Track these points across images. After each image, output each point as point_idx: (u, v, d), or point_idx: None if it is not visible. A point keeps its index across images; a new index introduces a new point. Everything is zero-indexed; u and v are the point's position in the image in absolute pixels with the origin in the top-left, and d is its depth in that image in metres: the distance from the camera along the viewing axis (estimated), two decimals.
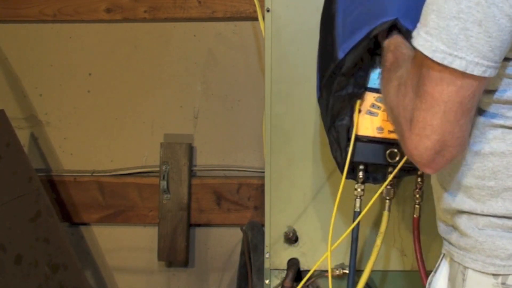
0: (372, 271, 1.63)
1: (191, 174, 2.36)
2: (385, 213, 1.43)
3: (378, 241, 1.44)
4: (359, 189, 1.42)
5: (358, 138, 1.34)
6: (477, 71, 0.91)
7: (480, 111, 1.02)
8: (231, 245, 2.39)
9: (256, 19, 1.78)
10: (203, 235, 2.42)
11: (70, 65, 2.39)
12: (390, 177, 1.36)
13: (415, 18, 0.98)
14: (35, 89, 2.41)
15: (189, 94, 2.37)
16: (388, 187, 1.41)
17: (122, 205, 2.40)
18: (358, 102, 1.32)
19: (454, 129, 0.94)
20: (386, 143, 1.33)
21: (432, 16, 0.92)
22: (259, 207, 2.32)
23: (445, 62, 0.92)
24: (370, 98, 1.33)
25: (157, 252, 2.38)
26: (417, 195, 1.44)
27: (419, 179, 1.44)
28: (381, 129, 1.33)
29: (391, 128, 1.32)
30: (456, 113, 0.93)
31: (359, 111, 1.33)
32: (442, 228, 1.14)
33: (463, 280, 1.06)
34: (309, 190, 1.64)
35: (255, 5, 1.74)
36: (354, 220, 1.43)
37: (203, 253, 2.42)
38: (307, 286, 1.64)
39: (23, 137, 2.38)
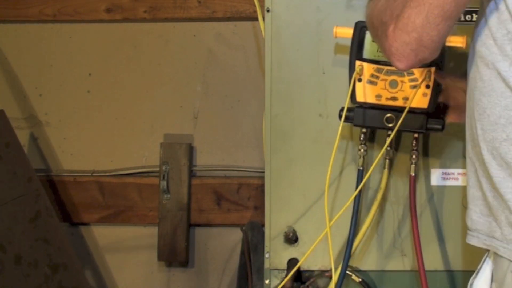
0: (372, 271, 1.64)
1: (191, 174, 2.36)
2: (385, 171, 1.58)
3: (378, 196, 1.59)
4: (362, 150, 1.56)
5: (359, 104, 1.50)
6: None
7: None
8: (231, 245, 2.39)
9: (256, 19, 1.78)
10: (203, 235, 2.42)
11: (70, 65, 2.39)
12: (388, 140, 1.51)
13: None
14: (35, 89, 2.41)
15: (189, 94, 2.37)
16: (388, 148, 1.55)
17: (122, 205, 2.40)
18: (356, 71, 1.48)
19: (432, 31, 1.04)
20: (384, 109, 1.48)
21: None
22: (259, 207, 2.32)
23: None
24: (369, 68, 1.48)
25: (157, 252, 2.38)
26: (414, 156, 1.55)
27: (414, 142, 1.55)
28: (379, 96, 1.48)
29: (388, 95, 1.47)
30: (437, 17, 1.03)
31: (359, 80, 1.48)
32: (479, 221, 1.11)
33: None
34: (309, 190, 1.64)
35: (255, 5, 1.74)
36: (358, 178, 1.57)
37: (203, 253, 2.42)
38: (307, 286, 1.64)
39: (23, 137, 2.38)
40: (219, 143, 2.38)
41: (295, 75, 1.62)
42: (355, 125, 1.52)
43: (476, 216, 1.10)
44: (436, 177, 1.60)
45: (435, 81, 1.45)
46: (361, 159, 1.56)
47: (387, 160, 1.57)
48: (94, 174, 2.41)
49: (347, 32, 1.50)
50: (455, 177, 1.60)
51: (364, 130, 1.55)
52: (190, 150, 2.36)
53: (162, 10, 2.32)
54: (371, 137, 1.60)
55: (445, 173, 1.60)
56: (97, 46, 2.38)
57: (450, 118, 1.49)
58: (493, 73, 1.05)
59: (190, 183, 2.35)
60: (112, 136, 2.40)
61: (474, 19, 1.53)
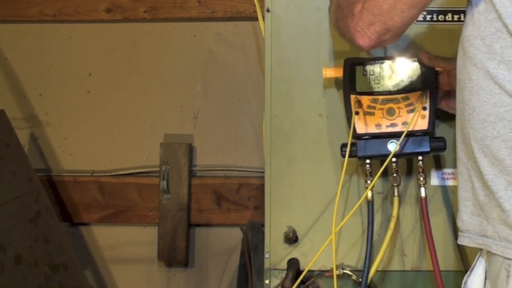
0: None
1: (191, 174, 2.36)
2: (395, 198, 1.56)
3: (392, 225, 1.57)
4: (368, 181, 1.54)
5: (359, 136, 1.50)
6: None
7: None
8: (231, 245, 2.39)
9: (256, 19, 1.78)
10: (203, 235, 2.42)
11: (70, 65, 2.39)
12: (386, 162, 1.48)
13: None
14: (35, 89, 2.41)
15: (189, 94, 2.37)
16: (394, 175, 1.54)
17: (122, 205, 2.40)
18: (353, 105, 1.50)
19: (396, 17, 1.11)
20: (386, 136, 1.49)
21: None
22: (259, 207, 2.32)
23: None
24: (365, 100, 1.51)
25: (157, 252, 2.38)
26: (421, 178, 1.53)
27: (420, 163, 1.53)
28: (379, 125, 1.50)
29: (387, 123, 1.49)
30: (404, 4, 1.10)
31: (357, 113, 1.50)
32: (470, 222, 1.12)
33: (508, 276, 1.03)
34: (309, 190, 1.64)
35: (255, 5, 1.73)
36: (368, 210, 1.54)
37: (203, 253, 2.42)
38: (307, 286, 1.64)
39: (23, 137, 2.38)
40: (219, 143, 2.38)
41: (295, 75, 1.62)
42: (359, 158, 1.51)
43: (466, 217, 1.12)
44: (436, 177, 1.60)
45: (431, 101, 1.47)
46: (370, 191, 1.53)
47: (395, 187, 1.55)
48: (94, 174, 2.41)
49: (336, 71, 1.55)
50: (455, 177, 1.60)
51: (368, 161, 1.53)
52: (190, 150, 2.36)
53: (162, 10, 2.32)
54: (375, 167, 1.54)
55: (445, 173, 1.60)
56: (97, 46, 2.38)
57: (441, 105, 1.50)
58: (481, 72, 1.05)
59: (190, 183, 2.35)
60: (112, 136, 2.40)
61: (462, 19, 1.53)
